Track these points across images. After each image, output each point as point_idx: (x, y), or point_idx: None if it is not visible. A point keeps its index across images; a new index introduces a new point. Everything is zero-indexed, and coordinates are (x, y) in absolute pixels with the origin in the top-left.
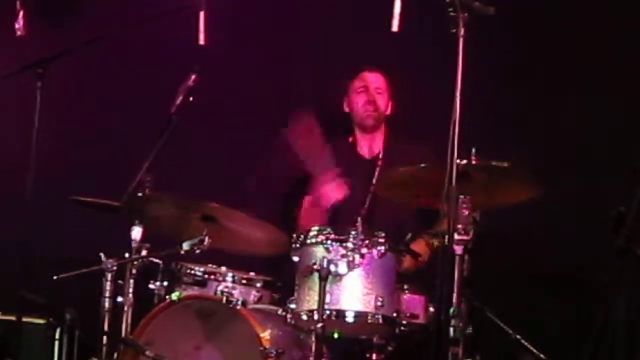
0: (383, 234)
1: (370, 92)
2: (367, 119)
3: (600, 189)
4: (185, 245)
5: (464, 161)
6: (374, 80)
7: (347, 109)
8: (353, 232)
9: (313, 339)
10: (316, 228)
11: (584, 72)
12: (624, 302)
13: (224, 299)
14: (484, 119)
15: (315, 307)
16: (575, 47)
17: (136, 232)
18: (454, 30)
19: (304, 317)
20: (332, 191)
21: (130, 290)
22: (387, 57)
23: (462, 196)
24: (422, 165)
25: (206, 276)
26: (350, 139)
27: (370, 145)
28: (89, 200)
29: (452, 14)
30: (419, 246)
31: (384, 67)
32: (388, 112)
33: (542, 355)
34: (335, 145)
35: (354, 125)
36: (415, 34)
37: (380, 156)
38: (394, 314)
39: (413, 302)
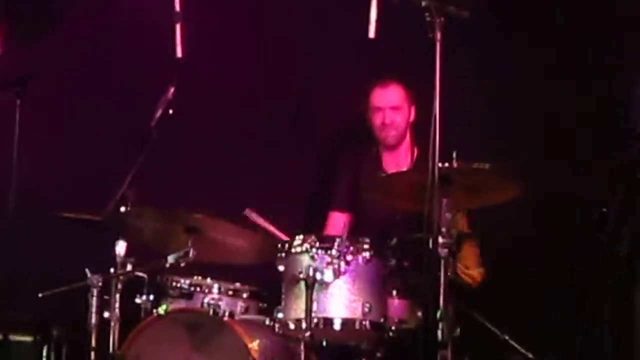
0: (367, 240)
1: (386, 114)
2: (386, 139)
3: (585, 188)
4: (171, 259)
5: (446, 165)
6: (390, 97)
7: (369, 123)
8: (337, 240)
9: (302, 347)
10: (300, 237)
11: (567, 71)
12: (609, 301)
13: (211, 310)
14: (467, 119)
15: (302, 315)
16: (560, 46)
17: (120, 247)
18: (431, 35)
19: (292, 326)
20: None
21: (117, 305)
22: (372, 65)
23: (444, 199)
24: (404, 169)
25: (192, 288)
26: (375, 150)
27: (396, 160)
28: (71, 216)
29: (428, 19)
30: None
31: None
32: (411, 119)
33: (530, 355)
34: (359, 158)
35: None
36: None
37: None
38: (382, 320)
39: (401, 307)
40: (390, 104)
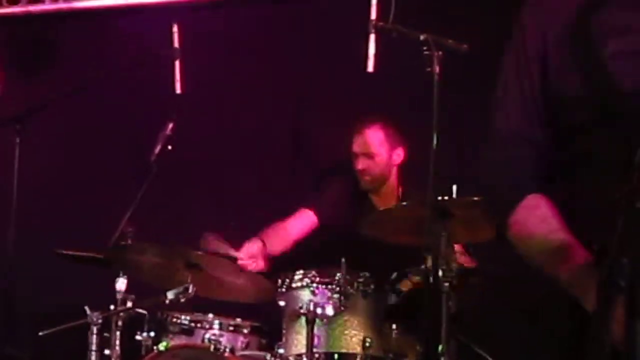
0: (367, 275)
1: (359, 160)
2: (363, 184)
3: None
4: (170, 294)
5: (446, 198)
6: (364, 144)
7: None
8: (338, 274)
9: None
10: (301, 271)
11: None
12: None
13: (212, 346)
14: (464, 152)
15: (303, 350)
16: None
17: (120, 284)
18: (429, 69)
19: None
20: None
21: (117, 342)
22: (372, 99)
23: (444, 233)
24: (404, 203)
25: (193, 324)
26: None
27: (382, 200)
28: (73, 253)
29: (426, 52)
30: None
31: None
32: (396, 162)
33: None
34: (351, 185)
35: None
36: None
37: None
38: (382, 354)
39: (401, 342)
40: (363, 150)
